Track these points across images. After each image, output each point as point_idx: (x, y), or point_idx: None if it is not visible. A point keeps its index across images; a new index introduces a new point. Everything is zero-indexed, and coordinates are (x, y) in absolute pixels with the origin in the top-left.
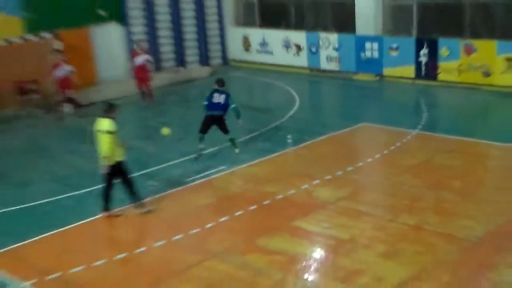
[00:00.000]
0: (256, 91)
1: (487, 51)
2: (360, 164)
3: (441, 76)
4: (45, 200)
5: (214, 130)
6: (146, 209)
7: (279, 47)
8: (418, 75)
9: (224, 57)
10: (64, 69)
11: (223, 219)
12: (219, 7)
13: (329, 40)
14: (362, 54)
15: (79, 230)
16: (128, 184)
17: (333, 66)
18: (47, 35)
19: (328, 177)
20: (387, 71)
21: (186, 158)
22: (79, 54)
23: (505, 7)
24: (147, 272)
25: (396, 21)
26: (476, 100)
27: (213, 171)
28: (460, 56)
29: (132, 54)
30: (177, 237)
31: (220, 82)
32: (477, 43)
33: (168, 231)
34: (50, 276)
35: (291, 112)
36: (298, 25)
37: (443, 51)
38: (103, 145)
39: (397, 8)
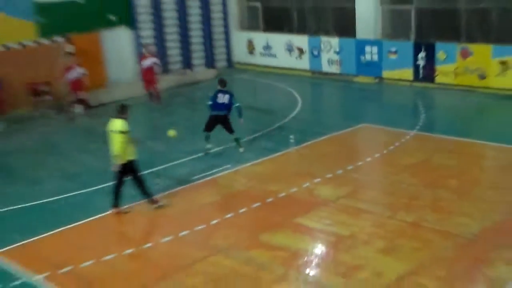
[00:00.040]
0: (260, 92)
1: (483, 54)
2: (360, 163)
3: (438, 78)
4: (57, 197)
5: (219, 130)
6: (158, 204)
7: (282, 50)
8: (416, 77)
9: (229, 60)
10: (77, 72)
11: (227, 216)
12: (225, 12)
13: (330, 43)
14: (362, 57)
15: (89, 226)
16: (139, 181)
17: (334, 69)
18: (59, 39)
19: (329, 175)
20: (386, 73)
21: (192, 157)
22: (90, 57)
23: (499, 12)
24: (154, 267)
25: (395, 25)
26: (472, 102)
27: (218, 169)
28: (456, 60)
29: (140, 57)
30: (183, 233)
31: (223, 83)
32: (473, 47)
33: (174, 227)
34: (62, 270)
35: (294, 113)
36: (301, 29)
37: (440, 54)
38: (115, 144)
39: (396, 13)
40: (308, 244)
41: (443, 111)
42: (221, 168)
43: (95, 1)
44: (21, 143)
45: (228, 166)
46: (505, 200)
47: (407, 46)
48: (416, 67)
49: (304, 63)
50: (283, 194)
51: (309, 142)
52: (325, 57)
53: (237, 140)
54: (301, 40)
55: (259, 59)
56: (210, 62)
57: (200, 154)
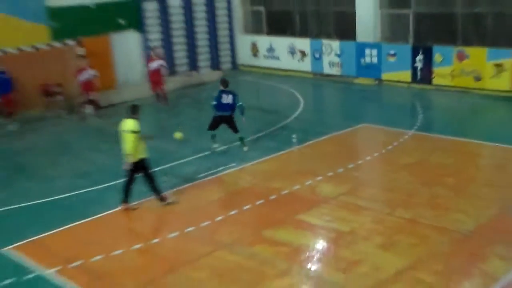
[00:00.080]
0: (263, 94)
1: (478, 57)
2: (360, 162)
3: (436, 80)
4: (68, 194)
5: (224, 130)
6: (168, 202)
7: (285, 53)
8: (414, 79)
9: (234, 62)
10: (88, 73)
11: (232, 212)
12: (229, 16)
13: (332, 46)
14: (362, 60)
15: (99, 222)
16: (150, 179)
17: (335, 71)
18: (70, 42)
19: (330, 174)
20: (385, 75)
21: (198, 155)
22: (100, 59)
23: (494, 17)
24: (161, 261)
25: (393, 29)
26: (468, 103)
27: (223, 168)
28: (453, 62)
29: (148, 59)
30: (189, 229)
31: (225, 83)
32: (469, 50)
33: (181, 223)
34: (73, 264)
35: (296, 114)
36: (303, 33)
37: (437, 57)
38: (127, 143)
39: (395, 17)
40: (310, 240)
41: (440, 111)
42: (226, 167)
43: (105, 5)
44: (34, 142)
45: (233, 164)
46: (499, 197)
47: (406, 49)
48: (414, 69)
49: (306, 65)
50: (286, 191)
51: (311, 142)
52: (326, 59)
53: (241, 139)
54: (303, 43)
55: (262, 62)
56: (215, 64)
57: (206, 153)
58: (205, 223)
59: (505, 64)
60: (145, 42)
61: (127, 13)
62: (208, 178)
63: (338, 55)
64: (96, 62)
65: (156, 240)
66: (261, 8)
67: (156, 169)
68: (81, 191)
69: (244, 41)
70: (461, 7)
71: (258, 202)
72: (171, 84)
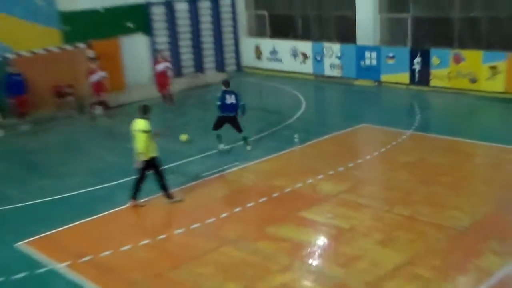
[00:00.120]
0: (266, 95)
1: (474, 60)
2: (360, 161)
3: (433, 82)
4: (79, 191)
5: (228, 130)
6: (175, 200)
7: (288, 55)
8: (412, 81)
9: (238, 64)
10: (99, 75)
11: (236, 209)
12: (234, 19)
13: (332, 49)
14: (362, 62)
15: (109, 218)
16: (160, 176)
17: (336, 72)
18: (81, 45)
19: (331, 172)
20: (384, 77)
21: (203, 155)
22: (110, 62)
23: (489, 21)
24: (168, 257)
25: (392, 32)
26: (464, 104)
27: (227, 166)
28: (449, 64)
29: (155, 61)
30: (195, 225)
31: (227, 83)
32: (465, 53)
33: (187, 220)
34: (83, 259)
35: (298, 114)
36: (305, 36)
37: (434, 59)
38: (139, 143)
39: (393, 21)
40: (311, 236)
41: (437, 112)
42: (230, 165)
43: (115, 10)
44: (46, 141)
45: (237, 163)
46: (494, 195)
47: (404, 51)
48: (412, 71)
49: (308, 67)
50: (288, 189)
51: (312, 141)
52: (327, 61)
53: (245, 138)
54: (305, 46)
55: (266, 64)
56: (220, 66)
57: (210, 152)
58: (210, 220)
59: (499, 66)
60: (152, 45)
61: (135, 17)
62: (213, 176)
63: (339, 58)
64: (105, 64)
65: (163, 236)
66: (265, 12)
67: (163, 167)
68: (91, 189)
69: (248, 44)
70: (457, 12)
71: (261, 200)
72: (177, 85)
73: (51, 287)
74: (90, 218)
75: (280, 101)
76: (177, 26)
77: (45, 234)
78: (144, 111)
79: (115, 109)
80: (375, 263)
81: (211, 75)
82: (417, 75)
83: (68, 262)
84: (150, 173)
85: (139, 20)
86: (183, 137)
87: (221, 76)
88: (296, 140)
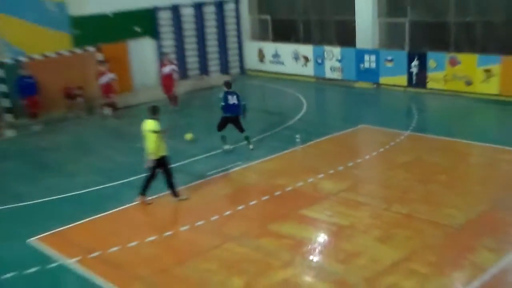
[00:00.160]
0: (269, 96)
1: (469, 63)
2: (359, 160)
3: (430, 84)
4: (88, 189)
5: (231, 130)
6: (181, 198)
7: (290, 58)
8: (409, 83)
9: (242, 67)
10: (108, 77)
11: (239, 207)
12: (238, 23)
13: (333, 52)
14: (362, 65)
15: (116, 215)
16: (168, 175)
17: (336, 75)
18: (91, 48)
19: (331, 171)
20: (383, 80)
21: (208, 154)
22: (118, 64)
23: (484, 25)
24: (174, 252)
25: (391, 36)
26: (460, 105)
27: (231, 166)
28: (445, 68)
29: (161, 64)
30: (199, 222)
31: (229, 84)
32: (460, 56)
33: (192, 217)
34: (92, 255)
35: (300, 115)
36: (306, 40)
37: (431, 63)
38: (149, 143)
39: (392, 26)
40: (312, 233)
41: (434, 114)
42: (233, 165)
43: (123, 14)
44: (56, 141)
45: (240, 162)
46: (488, 193)
47: (402, 55)
48: (409, 74)
49: (309, 70)
50: (290, 188)
51: (313, 141)
52: (328, 64)
53: (247, 138)
54: (306, 49)
55: (268, 66)
56: (224, 68)
57: (214, 152)
58: (214, 217)
59: (493, 69)
60: (159, 48)
61: (143, 22)
62: (217, 175)
63: (339, 61)
64: (114, 67)
65: (168, 233)
66: (267, 17)
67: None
68: (99, 187)
69: (251, 47)
70: (453, 17)
71: (263, 198)
72: (183, 87)
73: (62, 281)
74: (98, 215)
75: (282, 103)
76: (183, 30)
77: (55, 230)
78: (154, 112)
79: (122, 110)
80: (374, 259)
81: (216, 78)
82: (414, 77)
83: (78, 258)
84: (159, 171)
85: (146, 24)
86: (188, 136)
87: (225, 78)
88: (297, 140)
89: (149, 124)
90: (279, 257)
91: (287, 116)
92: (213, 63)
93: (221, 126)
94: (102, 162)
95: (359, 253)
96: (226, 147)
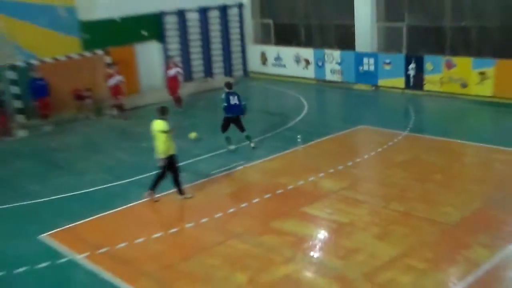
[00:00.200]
0: (271, 98)
1: (464, 66)
2: (358, 160)
3: (426, 86)
4: (96, 188)
5: (234, 131)
6: (186, 196)
7: (291, 61)
8: (407, 85)
9: (245, 69)
10: (116, 79)
11: (242, 205)
12: (241, 28)
13: (333, 55)
14: (361, 68)
15: (124, 213)
16: (175, 174)
17: (336, 77)
18: (99, 51)
19: (331, 170)
20: (381, 82)
21: (212, 154)
22: (126, 67)
23: (478, 30)
24: (179, 248)
25: (389, 40)
26: (455, 107)
27: (234, 165)
28: (442, 70)
29: (167, 67)
30: (204, 220)
31: (229, 85)
32: (456, 60)
33: (196, 215)
34: (100, 250)
35: (301, 116)
36: (307, 43)
37: (428, 65)
38: (159, 143)
39: (390, 30)
40: (313, 230)
41: (431, 115)
42: (236, 164)
43: (130, 19)
44: (66, 141)
45: (243, 162)
46: (482, 192)
47: (399, 58)
48: (407, 77)
49: (310, 73)
50: (291, 186)
51: (314, 142)
52: (328, 67)
53: (248, 136)
54: (307, 53)
55: (271, 69)
56: (228, 71)
57: (218, 152)
58: (218, 215)
59: (488, 72)
60: (165, 51)
61: (149, 26)
62: (221, 174)
63: (339, 63)
64: (122, 69)
65: (174, 230)
66: (270, 21)
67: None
68: (107, 185)
69: (254, 51)
70: (449, 21)
71: (266, 196)
72: (188, 89)
73: (71, 276)
74: (106, 213)
75: (284, 104)
76: (188, 34)
77: (65, 227)
78: (162, 112)
79: (130, 111)
80: (372, 255)
81: (220, 80)
82: (411, 80)
83: (87, 253)
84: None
85: (153, 28)
86: (192, 135)
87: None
88: (298, 140)
89: (158, 124)
90: (281, 253)
91: (289, 117)
92: (217, 66)
93: (225, 127)
94: (110, 161)
95: (358, 249)
96: (231, 147)
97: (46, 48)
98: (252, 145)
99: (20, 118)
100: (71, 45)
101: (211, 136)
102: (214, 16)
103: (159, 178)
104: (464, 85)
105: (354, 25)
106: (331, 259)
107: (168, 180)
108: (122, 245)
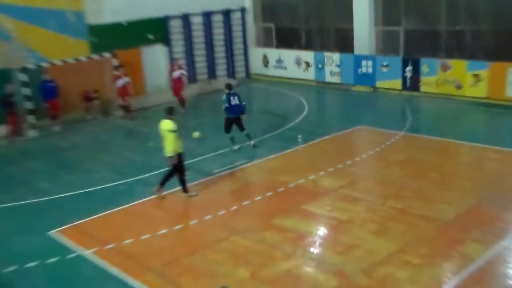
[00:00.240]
0: (272, 99)
1: (459, 68)
2: (357, 159)
3: (423, 88)
4: (103, 186)
5: (236, 132)
6: (190, 194)
7: (292, 63)
8: (404, 87)
9: (247, 71)
10: (123, 80)
11: (244, 203)
12: (244, 31)
13: (332, 58)
14: (359, 70)
15: (130, 210)
16: (181, 172)
17: (336, 79)
18: (107, 54)
19: (331, 169)
20: (379, 83)
21: (215, 153)
22: (132, 69)
23: (473, 34)
24: (183, 244)
25: (386, 43)
26: (450, 108)
27: (236, 164)
28: (437, 72)
29: (171, 69)
30: (207, 217)
31: (230, 86)
32: (451, 62)
33: (200, 212)
34: (107, 246)
35: (301, 117)
36: (308, 46)
37: (424, 68)
38: (167, 142)
39: (387, 33)
40: (313, 227)
41: (427, 115)
42: (239, 163)
43: (137, 23)
44: (75, 141)
45: (245, 161)
46: (476, 189)
47: (397, 60)
48: (404, 79)
49: (310, 75)
50: (292, 184)
51: (314, 141)
52: (328, 69)
53: (248, 135)
54: (307, 55)
55: (272, 71)
56: (231, 73)
57: (221, 151)
58: (221, 212)
59: (481, 74)
60: (170, 54)
61: (155, 29)
62: (224, 173)
63: (338, 66)
64: (129, 71)
65: (179, 226)
66: (271, 25)
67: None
68: (114, 184)
69: (256, 53)
70: (444, 25)
71: (267, 194)
72: (192, 90)
73: (80, 270)
74: (113, 210)
75: (285, 105)
76: (192, 37)
77: (74, 223)
78: (170, 112)
79: (136, 112)
80: (370, 251)
81: (223, 82)
82: (408, 81)
83: (95, 249)
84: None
85: (158, 32)
86: (195, 134)
87: (231, 82)
88: (299, 140)
89: (167, 124)
90: (282, 249)
91: (290, 118)
92: (221, 68)
93: (228, 128)
94: (117, 160)
95: (357, 245)
96: (235, 147)
97: (56, 51)
98: (252, 142)
99: (31, 119)
100: (79, 48)
101: (215, 136)
102: (217, 20)
103: (169, 175)
104: (459, 87)
105: (353, 29)
106: (330, 254)
107: (173, 178)
108: (129, 241)
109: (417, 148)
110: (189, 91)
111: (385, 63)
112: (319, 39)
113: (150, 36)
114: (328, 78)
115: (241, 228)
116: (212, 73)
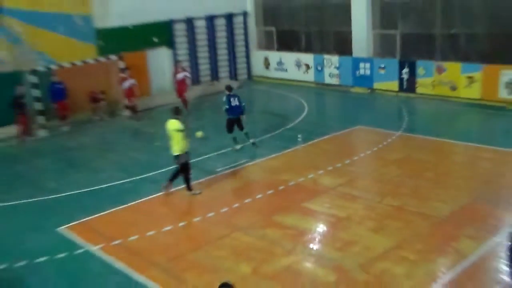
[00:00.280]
0: (273, 100)
1: (454, 70)
2: (355, 158)
3: (419, 89)
4: (110, 184)
5: (238, 132)
6: (193, 192)
7: (292, 66)
8: (400, 88)
9: (249, 73)
10: (129, 82)
11: (246, 200)
12: (246, 34)
13: (331, 61)
14: (357, 72)
15: (136, 207)
16: (186, 171)
17: (335, 81)
18: (113, 57)
19: (330, 168)
20: (376, 85)
21: (217, 152)
22: (138, 71)
23: (467, 37)
24: (187, 241)
25: (383, 46)
26: (445, 109)
27: (238, 163)
28: (433, 74)
29: (175, 71)
30: (210, 214)
31: (230, 88)
32: (446, 64)
33: (203, 209)
34: (114, 242)
35: (301, 117)
36: (307, 49)
37: (420, 70)
38: (175, 141)
39: (384, 37)
40: (312, 224)
41: (423, 116)
42: (241, 162)
43: (142, 27)
44: (82, 141)
45: (247, 160)
46: (469, 188)
47: (394, 63)
48: (400, 80)
49: (310, 76)
50: (292, 183)
51: (313, 141)
52: (327, 71)
53: (246, 134)
54: (307, 58)
55: (273, 73)
56: (233, 75)
57: (224, 150)
58: (224, 210)
59: (475, 76)
60: (174, 56)
61: (160, 33)
62: (226, 171)
63: (337, 68)
64: (134, 73)
65: (183, 223)
66: (272, 29)
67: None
68: (120, 182)
69: (257, 56)
70: (439, 29)
71: (268, 192)
72: (195, 91)
73: (87, 265)
74: (120, 207)
75: (285, 106)
76: (196, 40)
77: (82, 220)
78: (176, 112)
79: (142, 112)
80: (368, 247)
81: (225, 83)
82: (405, 83)
83: (101, 245)
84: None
85: (163, 35)
86: (199, 133)
87: (234, 84)
88: (299, 140)
89: (173, 124)
90: (282, 246)
91: (290, 118)
92: (223, 70)
93: (230, 128)
94: (123, 160)
95: (355, 241)
96: (237, 147)
97: (65, 54)
98: (251, 140)
99: (41, 119)
100: (87, 51)
101: (217, 136)
102: (220, 24)
103: (177, 174)
104: (454, 88)
105: (351, 33)
106: (329, 250)
107: (178, 177)
108: (134, 237)
109: (414, 148)
110: (192, 92)
111: (382, 66)
112: (318, 42)
113: (155, 39)
114: (327, 80)
115: (243, 225)
116: (215, 75)
